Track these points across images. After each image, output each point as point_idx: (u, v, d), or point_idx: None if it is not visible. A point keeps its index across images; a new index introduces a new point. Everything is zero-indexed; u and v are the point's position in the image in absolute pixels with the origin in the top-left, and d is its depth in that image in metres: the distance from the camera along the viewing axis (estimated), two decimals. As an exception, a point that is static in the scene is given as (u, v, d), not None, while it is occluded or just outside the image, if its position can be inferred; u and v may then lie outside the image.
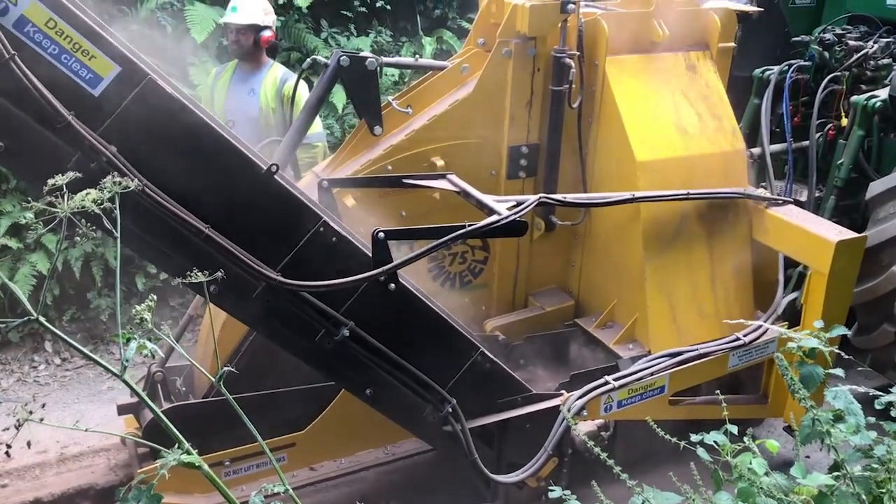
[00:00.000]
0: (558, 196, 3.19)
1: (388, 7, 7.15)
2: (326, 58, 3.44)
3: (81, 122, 2.24)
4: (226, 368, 1.65)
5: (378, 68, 3.34)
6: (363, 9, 7.14)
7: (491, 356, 3.13)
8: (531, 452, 3.24)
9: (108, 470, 4.51)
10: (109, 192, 1.56)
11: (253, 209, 2.58)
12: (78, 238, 5.87)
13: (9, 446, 1.44)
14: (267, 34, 4.91)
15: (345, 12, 7.11)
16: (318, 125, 5.02)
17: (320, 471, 3.51)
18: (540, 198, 3.02)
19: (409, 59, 3.80)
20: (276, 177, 2.59)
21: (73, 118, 2.22)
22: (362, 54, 3.34)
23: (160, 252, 2.52)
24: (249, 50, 4.93)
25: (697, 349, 3.47)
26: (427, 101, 3.51)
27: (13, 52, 2.08)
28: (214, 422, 3.19)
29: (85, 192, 1.50)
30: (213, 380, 1.58)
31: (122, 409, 3.58)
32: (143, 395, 1.55)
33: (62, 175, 1.53)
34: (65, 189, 1.49)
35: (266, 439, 3.35)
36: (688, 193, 3.42)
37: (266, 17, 4.89)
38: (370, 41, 7.12)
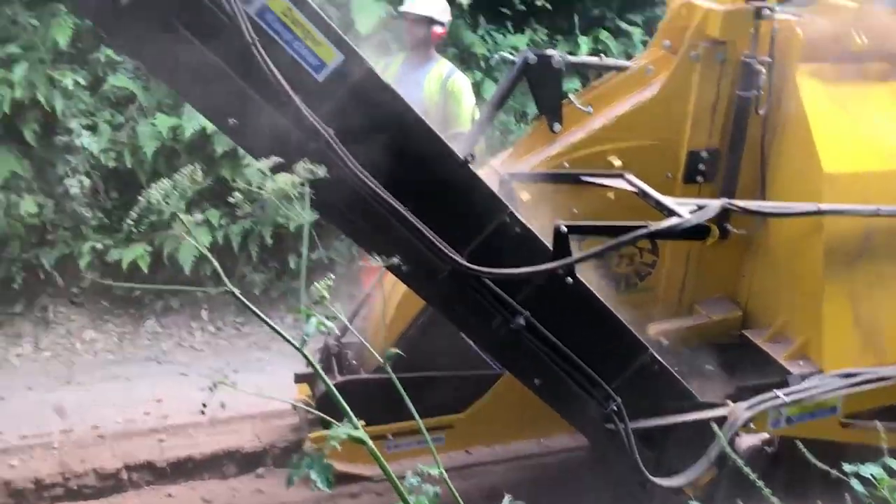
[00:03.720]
0: (741, 203, 3.15)
1: (549, 6, 7.19)
2: (513, 55, 3.53)
3: (305, 104, 2.40)
4: (394, 351, 1.75)
5: (563, 67, 3.39)
6: (522, 7, 7.21)
7: (660, 359, 3.13)
8: (691, 460, 3.22)
9: (254, 436, 4.79)
10: (302, 178, 1.67)
11: (447, 196, 2.69)
12: (239, 214, 6.22)
13: (204, 405, 1.55)
14: (439, 30, 5.06)
15: (503, 10, 7.20)
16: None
17: (475, 455, 3.60)
18: (724, 203, 2.99)
19: (593, 59, 3.83)
20: (469, 167, 2.70)
21: (298, 100, 2.38)
22: (549, 52, 3.41)
23: (359, 229, 2.67)
24: (420, 42, 5.09)
25: (876, 372, 3.34)
26: (608, 101, 3.54)
27: (255, 37, 2.26)
28: (381, 397, 3.33)
29: (282, 175, 1.60)
30: (382, 361, 1.67)
31: (299, 378, 3.79)
32: (320, 369, 1.64)
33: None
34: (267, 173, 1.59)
35: (426, 418, 3.49)
36: (878, 209, 3.29)
37: (442, 13, 5.04)
38: (526, 39, 7.18)
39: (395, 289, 3.67)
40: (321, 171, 1.74)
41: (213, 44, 2.28)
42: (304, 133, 2.41)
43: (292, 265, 6.54)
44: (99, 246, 6.14)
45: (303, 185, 1.70)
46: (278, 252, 6.59)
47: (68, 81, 5.98)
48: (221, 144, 6.12)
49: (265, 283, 6.55)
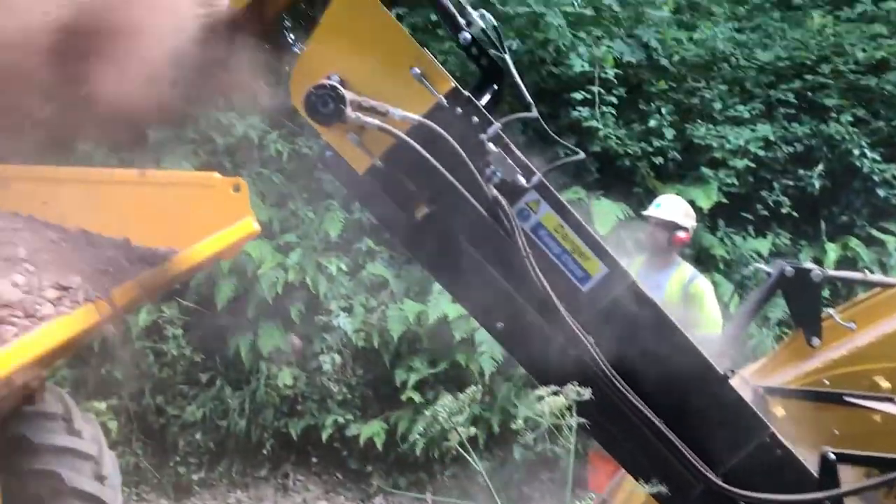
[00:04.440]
0: None
1: (794, 212, 7.09)
2: (767, 266, 3.51)
3: (568, 312, 2.53)
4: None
5: (823, 281, 3.31)
6: (764, 211, 7.16)
7: None
8: None
9: None
10: (569, 401, 1.74)
11: (704, 410, 2.64)
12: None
13: None
14: (682, 235, 5.14)
15: (745, 214, 7.19)
16: (721, 327, 5.03)
17: None
18: None
19: (856, 274, 3.70)
20: (728, 381, 2.66)
21: (563, 309, 2.51)
22: (807, 265, 3.35)
23: (610, 437, 2.67)
24: (662, 246, 5.19)
25: None
26: (873, 318, 3.36)
27: (529, 251, 2.46)
28: None
29: (553, 399, 1.68)
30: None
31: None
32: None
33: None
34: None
35: None
36: None
37: (686, 218, 5.14)
38: (768, 243, 7.07)
39: (632, 498, 3.56)
40: (587, 394, 1.84)
41: (491, 255, 2.51)
42: (565, 340, 2.53)
43: (517, 455, 6.54)
44: (340, 420, 6.55)
45: (570, 408, 1.80)
46: (503, 440, 6.65)
47: (333, 268, 6.71)
48: (459, 331, 6.46)
49: (488, 471, 6.58)
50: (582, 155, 2.64)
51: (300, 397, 6.65)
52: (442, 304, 6.44)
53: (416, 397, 6.53)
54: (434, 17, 7.27)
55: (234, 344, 6.59)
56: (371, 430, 6.47)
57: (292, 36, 2.69)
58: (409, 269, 7.02)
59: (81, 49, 2.48)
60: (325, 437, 6.52)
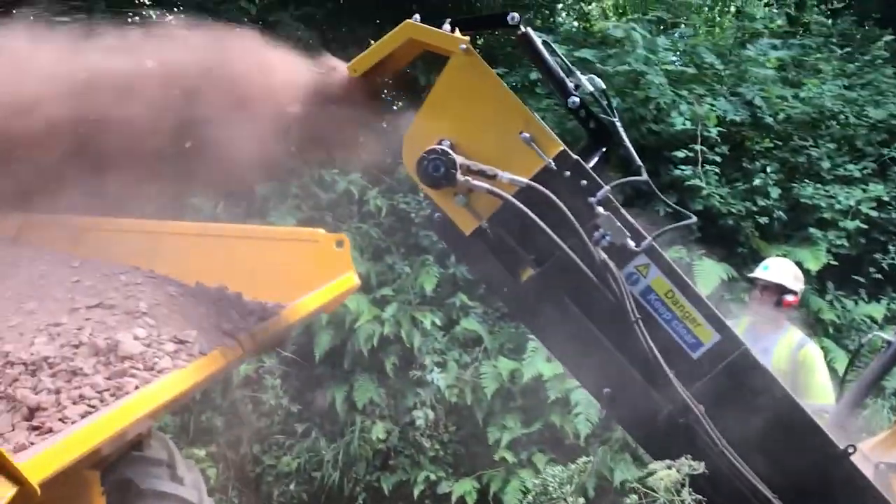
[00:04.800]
0: None
1: (907, 276, 6.75)
2: (883, 331, 3.34)
3: (678, 380, 2.45)
4: None
5: (951, 352, 3.12)
6: (878, 275, 6.83)
7: None
8: None
9: None
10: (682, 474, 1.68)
11: (824, 489, 2.50)
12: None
13: None
14: (790, 298, 4.94)
15: (856, 277, 6.87)
16: (831, 396, 4.76)
17: None
18: None
19: None
20: (850, 459, 2.51)
21: (672, 376, 2.44)
22: (933, 336, 3.17)
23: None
24: (770, 309, 4.99)
25: None
26: None
27: (638, 315, 2.41)
28: None
29: (665, 473, 1.61)
30: None
31: None
32: None
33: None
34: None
35: None
36: None
37: (795, 282, 4.95)
38: (883, 308, 6.71)
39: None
40: (700, 467, 1.77)
41: (598, 319, 2.47)
42: (674, 408, 2.45)
43: (612, 521, 6.31)
44: (432, 477, 6.49)
45: (683, 485, 1.74)
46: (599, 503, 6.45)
47: (427, 322, 6.72)
48: (554, 391, 6.34)
49: (582, 531, 6.37)
50: (694, 219, 2.59)
51: (393, 452, 6.64)
52: (537, 363, 6.36)
53: (510, 457, 6.42)
54: (533, 76, 7.35)
55: (330, 395, 6.66)
56: (463, 489, 6.38)
57: (395, 97, 2.76)
58: (503, 325, 6.98)
59: (204, 107, 2.61)
60: (416, 493, 6.47)
